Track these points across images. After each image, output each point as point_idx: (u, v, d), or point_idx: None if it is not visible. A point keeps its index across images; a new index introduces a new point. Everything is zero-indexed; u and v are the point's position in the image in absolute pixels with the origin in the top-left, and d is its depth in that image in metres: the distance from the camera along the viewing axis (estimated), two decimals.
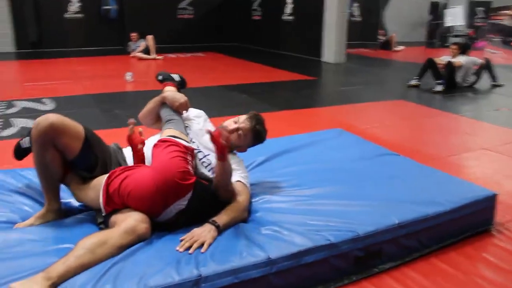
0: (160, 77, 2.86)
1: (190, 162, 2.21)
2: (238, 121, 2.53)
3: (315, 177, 2.80)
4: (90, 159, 2.32)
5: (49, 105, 5.63)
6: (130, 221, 1.97)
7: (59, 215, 2.28)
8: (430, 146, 4.27)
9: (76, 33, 12.23)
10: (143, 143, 2.38)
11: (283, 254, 1.95)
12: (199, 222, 2.12)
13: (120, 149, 2.55)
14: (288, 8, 11.80)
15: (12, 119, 4.97)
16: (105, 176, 2.18)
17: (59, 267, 1.72)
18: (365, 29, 14.30)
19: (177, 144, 2.23)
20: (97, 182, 2.22)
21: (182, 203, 2.11)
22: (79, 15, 12.24)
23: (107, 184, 2.11)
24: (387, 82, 8.32)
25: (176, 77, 2.87)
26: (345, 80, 8.81)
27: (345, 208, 2.38)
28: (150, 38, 10.49)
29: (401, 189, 2.65)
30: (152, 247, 1.97)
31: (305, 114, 5.42)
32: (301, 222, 2.21)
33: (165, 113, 2.55)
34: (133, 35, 10.83)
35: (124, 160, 2.47)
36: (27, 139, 2.39)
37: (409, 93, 6.98)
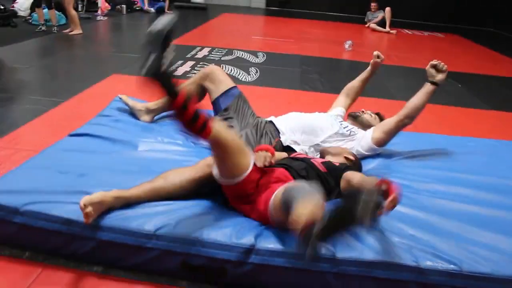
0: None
1: None
2: None
3: (464, 190, 2.32)
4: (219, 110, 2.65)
5: (260, 58, 6.02)
6: (208, 158, 2.00)
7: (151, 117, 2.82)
8: None
9: None
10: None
11: (350, 257, 1.70)
12: None
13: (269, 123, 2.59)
14: None
15: (223, 64, 5.49)
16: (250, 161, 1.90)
17: (135, 188, 1.87)
18: None
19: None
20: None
21: None
22: None
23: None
24: None
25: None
26: None
27: (473, 237, 1.89)
28: (388, 10, 10.10)
29: None
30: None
31: None
32: (406, 234, 1.86)
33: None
34: (373, 5, 10.56)
35: (266, 134, 2.50)
36: None
37: None
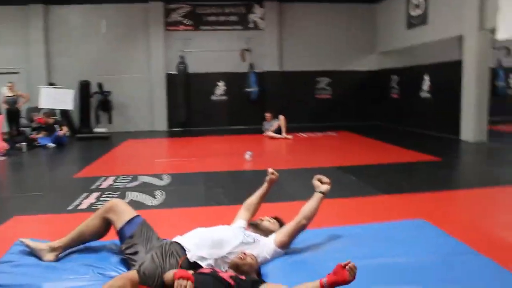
0: None
1: None
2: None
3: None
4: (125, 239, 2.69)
5: (165, 181, 6.17)
6: None
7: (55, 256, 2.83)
8: None
9: (220, 113, 13.43)
10: None
11: None
12: None
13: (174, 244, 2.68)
14: (426, 85, 11.34)
15: (128, 192, 5.54)
16: None
17: None
18: None
19: None
20: None
21: None
22: (224, 97, 13.48)
23: None
24: None
25: None
26: (474, 161, 8.00)
27: None
28: (281, 118, 10.97)
29: None
30: None
31: (407, 200, 5.00)
32: None
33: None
34: (267, 115, 11.44)
35: (172, 254, 2.57)
36: None
37: None
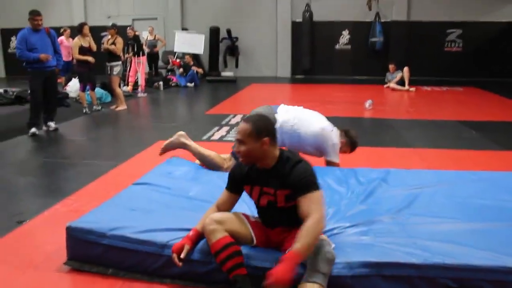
0: None
1: None
2: None
3: (459, 209, 2.75)
4: None
5: None
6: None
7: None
8: None
9: (343, 62, 13.46)
10: None
11: (361, 260, 2.15)
12: None
13: None
14: None
15: None
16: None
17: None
18: None
19: None
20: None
21: None
22: (348, 46, 13.43)
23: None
24: None
25: None
26: None
27: (464, 240, 2.33)
28: (405, 69, 10.73)
29: None
30: None
31: None
32: (406, 242, 2.31)
33: None
34: (391, 66, 11.23)
35: None
36: None
37: None
